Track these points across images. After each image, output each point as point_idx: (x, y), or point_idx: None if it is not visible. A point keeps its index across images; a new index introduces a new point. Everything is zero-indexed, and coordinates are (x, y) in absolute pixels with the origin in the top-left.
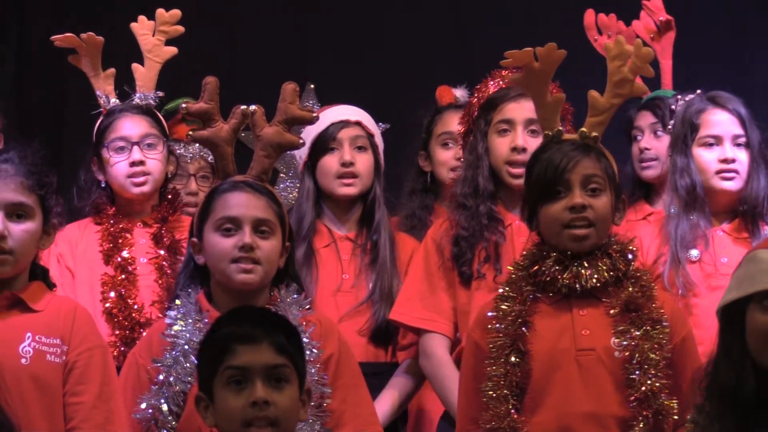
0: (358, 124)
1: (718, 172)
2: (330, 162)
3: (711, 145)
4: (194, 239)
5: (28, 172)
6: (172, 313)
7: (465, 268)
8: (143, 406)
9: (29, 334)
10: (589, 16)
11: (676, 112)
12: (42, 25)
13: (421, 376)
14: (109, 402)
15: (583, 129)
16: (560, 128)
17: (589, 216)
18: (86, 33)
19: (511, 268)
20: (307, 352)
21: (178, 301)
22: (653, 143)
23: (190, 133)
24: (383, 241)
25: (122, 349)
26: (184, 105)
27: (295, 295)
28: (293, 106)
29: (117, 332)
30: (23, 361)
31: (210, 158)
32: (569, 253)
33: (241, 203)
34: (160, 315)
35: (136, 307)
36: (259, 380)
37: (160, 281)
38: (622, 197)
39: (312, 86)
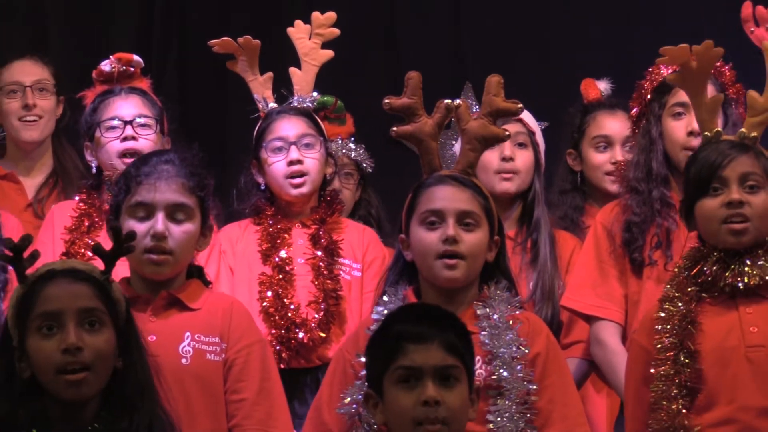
0: (519, 120)
1: None
2: (490, 157)
3: None
4: (402, 236)
5: (190, 174)
6: (380, 309)
7: (636, 254)
8: (347, 401)
9: (188, 333)
10: (747, 8)
11: None
12: (203, 31)
13: (584, 375)
14: (269, 398)
15: (743, 130)
16: (719, 129)
17: (747, 212)
18: (243, 37)
19: (676, 269)
20: (513, 349)
21: (385, 297)
22: None
23: (394, 129)
24: (543, 239)
25: (277, 348)
26: (387, 101)
27: (506, 292)
28: (498, 99)
29: (273, 331)
30: (184, 361)
31: (353, 155)
32: (731, 251)
33: (445, 196)
34: (315, 315)
35: (292, 306)
36: (429, 379)
37: (316, 282)
38: None
39: (470, 85)
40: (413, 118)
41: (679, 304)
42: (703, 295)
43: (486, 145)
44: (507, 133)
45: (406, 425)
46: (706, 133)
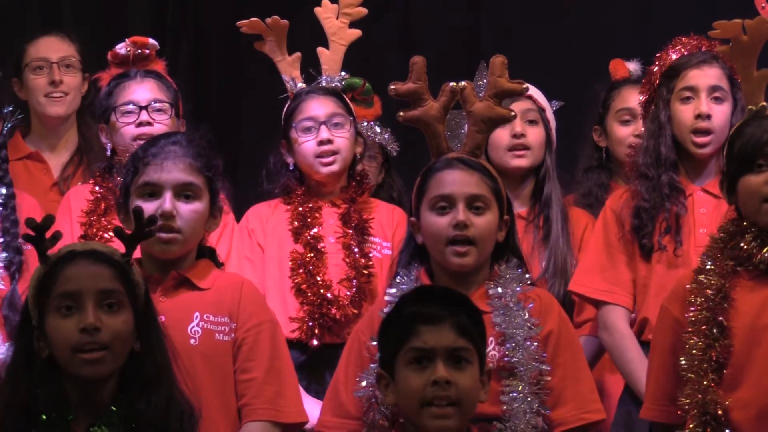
0: (529, 97)
1: None
2: (501, 134)
3: None
4: (413, 219)
5: (196, 154)
6: (393, 290)
7: (645, 240)
8: (363, 383)
9: (197, 313)
10: None
11: None
12: (218, 11)
13: (597, 354)
14: (279, 377)
15: None
16: (764, 104)
17: None
18: (271, 17)
19: (711, 241)
20: (526, 328)
21: (398, 278)
22: None
23: (401, 114)
24: (555, 215)
25: (310, 324)
26: (393, 87)
27: (517, 270)
28: (502, 79)
29: (305, 308)
30: (192, 341)
31: (377, 138)
32: None
33: (454, 180)
34: (347, 293)
35: (324, 284)
36: (440, 360)
37: (347, 260)
38: None
39: (485, 64)
40: (419, 102)
41: (714, 277)
42: (738, 269)
43: (492, 126)
44: (513, 113)
45: (416, 406)
46: (751, 107)
